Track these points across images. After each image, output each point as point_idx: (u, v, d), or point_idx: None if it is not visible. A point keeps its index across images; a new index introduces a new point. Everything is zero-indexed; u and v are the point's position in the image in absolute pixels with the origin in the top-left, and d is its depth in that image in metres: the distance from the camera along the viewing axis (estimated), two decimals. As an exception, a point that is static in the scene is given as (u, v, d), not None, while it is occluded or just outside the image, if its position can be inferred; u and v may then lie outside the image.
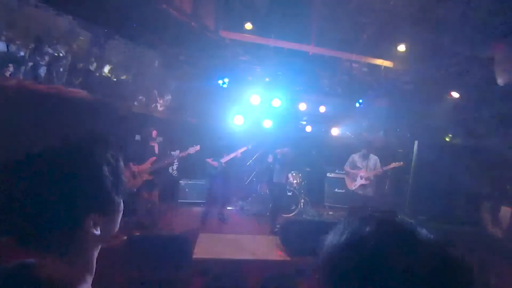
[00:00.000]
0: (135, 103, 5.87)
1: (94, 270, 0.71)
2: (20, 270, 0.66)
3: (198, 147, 4.87)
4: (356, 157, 5.32)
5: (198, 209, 5.65)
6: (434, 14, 3.89)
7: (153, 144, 4.62)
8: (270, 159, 5.78)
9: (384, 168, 5.07)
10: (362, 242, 0.55)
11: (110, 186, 0.68)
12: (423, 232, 0.57)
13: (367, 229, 0.57)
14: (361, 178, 5.13)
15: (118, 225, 0.75)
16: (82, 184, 0.64)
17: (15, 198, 0.60)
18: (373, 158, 5.16)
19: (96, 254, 0.72)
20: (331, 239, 0.62)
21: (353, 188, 5.24)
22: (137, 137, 5.59)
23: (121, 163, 0.74)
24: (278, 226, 5.34)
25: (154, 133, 4.62)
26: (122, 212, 0.75)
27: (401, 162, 5.11)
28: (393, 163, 5.09)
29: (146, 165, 4.41)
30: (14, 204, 0.60)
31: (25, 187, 0.60)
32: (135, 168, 4.35)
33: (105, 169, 0.68)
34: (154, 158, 4.44)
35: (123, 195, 0.73)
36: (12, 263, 0.67)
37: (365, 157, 5.21)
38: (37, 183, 0.61)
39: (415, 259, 0.51)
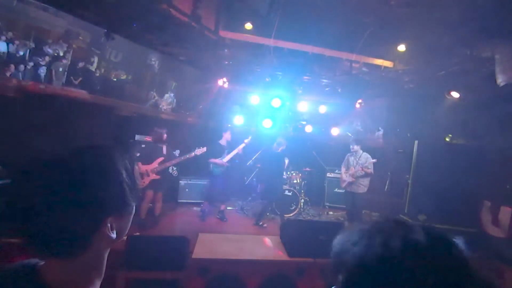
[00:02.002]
0: (136, 103, 5.87)
1: (103, 273, 0.72)
2: (24, 272, 0.65)
3: (204, 149, 4.94)
4: (350, 156, 5.41)
5: (198, 209, 5.66)
6: (434, 14, 3.88)
7: (161, 146, 4.75)
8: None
9: (363, 166, 5.12)
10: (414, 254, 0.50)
11: (128, 190, 0.70)
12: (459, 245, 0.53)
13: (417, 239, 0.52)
14: (347, 176, 5.23)
15: (128, 227, 0.76)
16: (104, 188, 0.66)
17: (34, 202, 0.59)
18: (364, 156, 5.23)
19: (106, 255, 0.72)
20: (361, 249, 0.54)
21: (343, 186, 5.42)
22: (137, 137, 5.61)
23: (136, 167, 0.75)
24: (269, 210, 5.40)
25: (164, 136, 4.76)
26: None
27: (375, 159, 5.24)
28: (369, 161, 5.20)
29: (154, 165, 4.57)
30: (33, 208, 0.59)
31: (45, 192, 0.60)
32: (143, 168, 4.51)
33: (124, 173, 0.70)
34: (162, 158, 4.61)
35: (136, 198, 0.75)
36: (16, 264, 0.67)
37: (356, 155, 5.29)
38: (59, 187, 0.61)
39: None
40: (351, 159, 5.33)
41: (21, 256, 0.68)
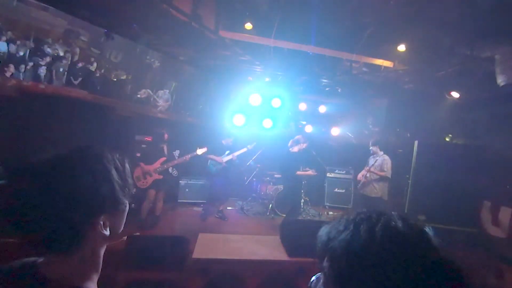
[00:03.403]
0: (136, 103, 5.87)
1: (100, 268, 0.74)
2: (26, 268, 0.67)
3: (205, 149, 4.97)
4: (370, 157, 5.35)
5: (198, 209, 5.66)
6: (434, 14, 3.88)
7: (162, 146, 4.79)
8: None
9: (371, 169, 5.07)
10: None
11: (119, 188, 0.72)
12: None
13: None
14: (362, 177, 5.18)
15: (123, 225, 0.78)
16: (93, 188, 0.68)
17: (26, 201, 0.62)
18: (381, 158, 5.14)
19: (102, 252, 0.75)
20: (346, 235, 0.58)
21: (358, 187, 5.38)
22: (137, 137, 5.61)
23: (127, 166, 0.78)
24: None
25: (166, 136, 4.80)
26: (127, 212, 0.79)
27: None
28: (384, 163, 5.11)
29: (157, 165, 4.60)
30: (26, 206, 0.61)
31: (36, 192, 0.62)
32: (146, 168, 4.53)
33: (114, 172, 0.72)
34: (164, 158, 4.66)
35: (130, 197, 0.76)
36: (18, 262, 0.69)
37: (374, 156, 5.23)
38: (49, 187, 0.63)
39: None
40: (371, 160, 5.24)
41: (19, 255, 0.70)
